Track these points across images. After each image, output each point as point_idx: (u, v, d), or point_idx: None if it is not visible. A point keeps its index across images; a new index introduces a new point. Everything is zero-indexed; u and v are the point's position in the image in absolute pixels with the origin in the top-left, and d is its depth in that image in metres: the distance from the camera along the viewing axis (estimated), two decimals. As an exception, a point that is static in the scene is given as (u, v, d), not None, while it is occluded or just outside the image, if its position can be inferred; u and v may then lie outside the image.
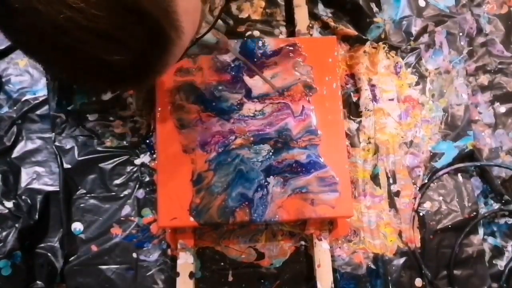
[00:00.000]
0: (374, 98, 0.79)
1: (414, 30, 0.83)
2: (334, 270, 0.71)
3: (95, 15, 0.31)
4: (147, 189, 0.74)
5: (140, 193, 0.74)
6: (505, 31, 0.85)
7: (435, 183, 0.77)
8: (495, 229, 0.77)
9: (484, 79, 0.83)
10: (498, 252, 0.76)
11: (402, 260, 0.73)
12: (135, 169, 0.74)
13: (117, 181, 0.74)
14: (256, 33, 0.82)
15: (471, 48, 0.84)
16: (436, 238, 0.75)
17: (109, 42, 0.33)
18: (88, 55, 0.33)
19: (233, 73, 0.72)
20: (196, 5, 0.41)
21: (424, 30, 0.83)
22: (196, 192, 0.67)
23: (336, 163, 0.69)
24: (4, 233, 0.70)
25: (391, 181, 0.76)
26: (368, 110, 0.78)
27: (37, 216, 0.71)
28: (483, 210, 0.77)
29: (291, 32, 0.82)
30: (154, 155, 0.74)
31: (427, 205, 0.76)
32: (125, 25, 0.33)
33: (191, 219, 0.66)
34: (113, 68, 0.35)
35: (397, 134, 0.78)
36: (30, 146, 0.75)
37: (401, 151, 0.78)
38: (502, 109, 0.82)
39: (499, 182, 0.78)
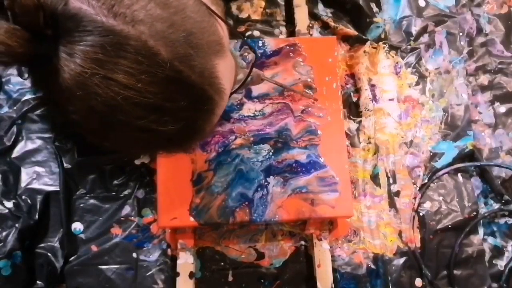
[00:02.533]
0: (374, 98, 0.79)
1: (414, 30, 0.83)
2: (334, 270, 0.71)
3: (149, 92, 0.33)
4: (147, 189, 0.74)
5: (140, 193, 0.74)
6: (505, 31, 0.85)
7: (435, 183, 0.77)
8: (495, 229, 0.77)
9: (484, 79, 0.83)
10: (498, 252, 0.76)
11: (402, 260, 0.73)
12: (135, 169, 0.74)
13: (117, 181, 0.74)
14: (256, 33, 0.82)
15: (471, 48, 0.84)
16: (436, 238, 0.75)
17: (162, 114, 0.35)
18: (143, 128, 0.35)
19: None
20: (232, 65, 0.44)
21: (424, 30, 0.83)
22: (196, 192, 0.67)
23: (336, 163, 0.69)
24: (4, 233, 0.70)
25: (391, 181, 0.76)
26: (368, 110, 0.78)
27: (37, 216, 0.71)
28: (483, 210, 0.77)
29: (291, 32, 0.82)
30: (154, 155, 0.74)
31: (427, 205, 0.76)
32: (175, 97, 0.35)
33: (191, 219, 0.66)
34: (165, 137, 0.37)
35: (397, 134, 0.78)
36: (30, 146, 0.75)
37: (401, 151, 0.78)
38: (502, 109, 0.82)
39: (499, 182, 0.78)
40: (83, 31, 0.32)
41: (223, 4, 0.47)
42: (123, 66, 0.32)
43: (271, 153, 0.69)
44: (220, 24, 0.41)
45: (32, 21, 0.31)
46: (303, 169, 0.68)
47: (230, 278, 0.72)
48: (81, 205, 0.73)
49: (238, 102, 0.70)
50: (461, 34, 0.84)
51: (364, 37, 0.82)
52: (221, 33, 0.40)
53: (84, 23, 0.32)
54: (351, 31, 0.82)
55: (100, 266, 0.70)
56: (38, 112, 0.76)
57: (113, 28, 0.32)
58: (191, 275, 0.68)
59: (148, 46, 0.33)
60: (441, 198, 0.76)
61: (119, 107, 0.33)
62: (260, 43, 0.73)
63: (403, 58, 0.82)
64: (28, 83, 0.77)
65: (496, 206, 0.78)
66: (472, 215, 0.76)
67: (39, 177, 0.73)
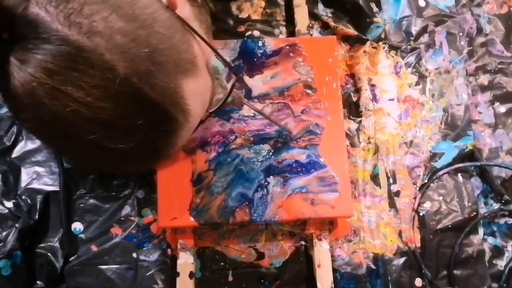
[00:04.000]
0: (374, 98, 0.79)
1: (414, 30, 0.83)
2: (334, 270, 0.71)
3: (100, 108, 0.32)
4: (147, 189, 0.74)
5: (140, 193, 0.74)
6: (505, 31, 0.85)
7: (435, 183, 0.77)
8: (495, 229, 0.77)
9: (484, 79, 0.83)
10: (498, 252, 0.76)
11: (402, 260, 0.73)
12: (135, 169, 0.74)
13: (117, 181, 0.74)
14: (256, 33, 0.82)
15: (471, 48, 0.84)
16: (436, 238, 0.75)
17: (114, 131, 0.33)
18: (94, 143, 0.33)
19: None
20: (205, 86, 0.41)
21: (424, 30, 0.83)
22: (196, 192, 0.67)
23: (336, 163, 0.69)
24: (4, 233, 0.70)
25: (391, 181, 0.76)
26: (368, 110, 0.78)
27: (37, 216, 0.71)
28: (483, 210, 0.77)
29: (291, 32, 0.82)
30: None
31: (427, 205, 0.76)
32: (130, 114, 0.33)
33: (191, 219, 0.66)
34: (119, 155, 0.35)
35: (397, 134, 0.78)
36: (30, 146, 0.74)
37: (401, 151, 0.78)
38: (502, 109, 0.82)
39: (499, 182, 0.78)
40: (38, 38, 0.30)
41: (209, 21, 0.44)
42: (74, 78, 0.31)
43: (271, 153, 0.69)
44: (198, 42, 0.39)
45: None
46: (303, 169, 0.68)
47: (230, 278, 0.72)
48: (81, 205, 0.73)
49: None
50: (461, 34, 0.84)
51: (364, 37, 0.82)
52: (196, 51, 0.38)
53: (40, 30, 0.30)
54: (351, 31, 0.82)
55: (100, 266, 0.70)
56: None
57: (67, 38, 0.30)
58: (191, 275, 0.68)
59: (103, 60, 0.31)
60: (441, 198, 0.76)
61: (66, 120, 0.32)
62: (260, 43, 0.73)
63: (403, 58, 0.82)
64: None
65: (496, 206, 0.78)
66: (472, 215, 0.76)
67: (39, 177, 0.73)
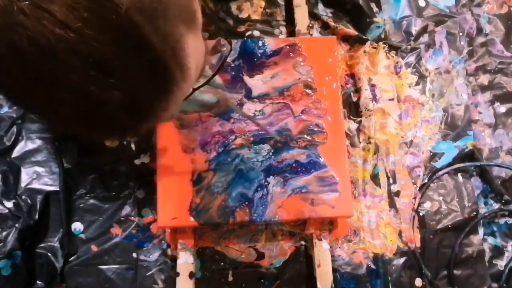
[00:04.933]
0: (374, 98, 0.79)
1: (414, 30, 0.83)
2: (334, 270, 0.71)
3: (92, 38, 0.26)
4: (147, 189, 0.74)
5: (140, 193, 0.74)
6: (505, 31, 0.85)
7: (435, 183, 0.77)
8: (495, 229, 0.77)
9: (484, 79, 0.83)
10: (498, 252, 0.76)
11: (402, 260, 0.73)
12: (135, 169, 0.74)
13: (117, 181, 0.74)
14: (256, 33, 0.82)
15: (471, 48, 0.84)
16: (436, 238, 0.75)
17: (105, 73, 0.28)
18: (76, 89, 0.28)
19: (233, 73, 0.72)
20: (202, 48, 0.36)
21: (424, 30, 0.83)
22: (196, 192, 0.66)
23: (336, 163, 0.69)
24: (4, 233, 0.70)
25: (391, 181, 0.76)
26: (368, 110, 0.78)
27: (37, 216, 0.71)
28: (483, 210, 0.77)
29: (291, 32, 0.82)
30: (154, 155, 0.74)
31: (427, 205, 0.76)
32: (125, 55, 0.28)
33: (191, 219, 0.66)
34: (105, 108, 0.29)
35: (397, 134, 0.78)
36: (30, 146, 0.75)
37: (401, 151, 0.78)
38: (502, 109, 0.82)
39: (499, 182, 0.78)
40: None
41: None
42: None
43: (271, 153, 0.69)
44: (196, 2, 0.35)
45: None
46: (303, 169, 0.68)
47: (230, 278, 0.72)
48: (81, 205, 0.73)
49: (238, 102, 0.70)
50: (461, 34, 0.84)
51: (364, 37, 0.82)
52: (195, 7, 0.34)
53: None
54: (351, 31, 0.82)
55: (100, 266, 0.70)
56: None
57: None
58: (191, 275, 0.68)
59: None
60: (441, 198, 0.76)
61: (50, 49, 0.26)
62: (260, 43, 0.73)
63: (403, 58, 0.82)
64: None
65: (496, 206, 0.78)
66: (472, 215, 0.76)
67: (39, 177, 0.73)
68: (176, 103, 0.35)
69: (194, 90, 0.42)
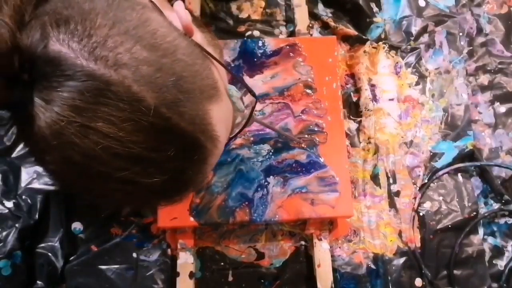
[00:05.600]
0: (374, 98, 0.79)
1: (414, 30, 0.83)
2: (334, 270, 0.71)
3: (132, 141, 0.31)
4: (147, 189, 0.74)
5: (140, 193, 0.74)
6: (505, 31, 0.85)
7: (435, 183, 0.77)
8: (495, 229, 0.77)
9: (484, 79, 0.83)
10: (498, 252, 0.76)
11: (402, 260, 0.73)
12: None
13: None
14: (256, 33, 0.82)
15: (471, 48, 0.84)
16: (436, 238, 0.75)
17: (147, 165, 0.32)
18: (125, 180, 0.32)
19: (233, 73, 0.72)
20: (229, 109, 0.40)
21: (424, 30, 0.83)
22: (196, 192, 0.66)
23: (336, 163, 0.69)
24: (4, 233, 0.70)
25: (391, 181, 0.76)
26: (368, 110, 0.78)
27: (37, 216, 0.71)
28: (483, 210, 0.77)
29: (291, 32, 0.82)
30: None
31: (427, 205, 0.76)
32: (161, 146, 0.32)
33: (191, 219, 0.66)
34: (150, 189, 0.34)
35: (397, 134, 0.78)
36: (30, 146, 0.74)
37: (401, 151, 0.78)
38: (502, 109, 0.82)
39: (499, 182, 0.78)
40: (62, 75, 0.29)
41: (221, 46, 0.44)
42: (103, 114, 0.30)
43: (271, 153, 0.69)
44: (216, 67, 0.39)
45: (5, 65, 0.29)
46: (303, 169, 0.68)
47: (230, 278, 0.72)
48: (81, 205, 0.73)
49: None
50: (461, 34, 0.84)
51: (364, 37, 0.82)
52: (216, 76, 0.38)
53: (63, 67, 0.29)
54: (351, 31, 0.82)
55: (100, 266, 0.70)
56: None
57: (94, 73, 0.29)
58: (191, 275, 0.68)
59: (131, 92, 0.30)
60: (441, 198, 0.76)
61: (98, 157, 0.31)
62: (260, 43, 0.73)
63: (403, 58, 0.82)
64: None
65: (496, 206, 0.78)
66: (472, 215, 0.76)
67: (39, 177, 0.73)
68: (211, 167, 0.39)
69: (231, 138, 0.46)
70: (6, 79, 0.29)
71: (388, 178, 0.76)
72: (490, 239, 0.76)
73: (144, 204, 0.42)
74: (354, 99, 0.80)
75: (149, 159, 0.32)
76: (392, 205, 0.76)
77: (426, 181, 0.77)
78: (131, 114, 0.30)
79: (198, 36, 0.39)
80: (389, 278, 0.72)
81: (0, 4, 0.29)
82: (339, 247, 0.74)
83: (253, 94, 0.48)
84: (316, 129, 0.70)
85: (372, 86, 0.80)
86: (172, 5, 0.38)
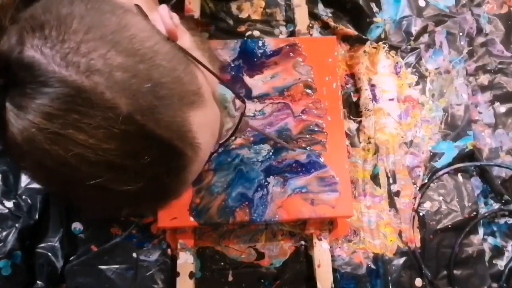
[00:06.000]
0: (374, 98, 0.79)
1: (414, 30, 0.83)
2: (334, 270, 0.71)
3: (104, 149, 0.30)
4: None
5: (140, 193, 0.74)
6: (505, 31, 0.85)
7: (435, 183, 0.77)
8: (495, 229, 0.77)
9: (484, 79, 0.83)
10: (498, 252, 0.76)
11: (402, 260, 0.73)
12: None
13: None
14: (256, 33, 0.82)
15: (471, 48, 0.84)
16: (436, 238, 0.75)
17: (121, 172, 0.32)
18: (100, 187, 0.32)
19: (233, 73, 0.72)
20: (213, 116, 0.39)
21: (424, 30, 0.83)
22: (196, 192, 0.67)
23: (336, 163, 0.69)
24: (4, 233, 0.70)
25: (391, 181, 0.76)
26: (368, 110, 0.78)
27: (37, 216, 0.71)
28: (483, 210, 0.77)
29: (291, 32, 0.82)
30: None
31: (427, 205, 0.76)
32: (136, 153, 0.31)
33: (191, 219, 0.66)
34: (127, 197, 0.33)
35: (397, 134, 0.78)
36: (30, 146, 0.74)
37: (401, 151, 0.78)
38: (502, 109, 0.82)
39: (499, 182, 0.78)
40: (35, 82, 0.29)
41: (212, 49, 0.43)
42: (74, 121, 0.29)
43: (271, 153, 0.69)
44: (202, 72, 0.37)
45: None
46: (303, 169, 0.68)
47: (230, 278, 0.72)
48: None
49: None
50: (461, 34, 0.84)
51: (364, 37, 0.82)
52: (201, 82, 0.37)
53: (36, 73, 0.29)
54: (351, 31, 0.82)
55: (100, 266, 0.70)
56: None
57: (65, 79, 0.29)
58: (191, 275, 0.68)
59: (104, 99, 0.29)
60: (441, 198, 0.76)
61: (69, 164, 0.30)
62: (260, 43, 0.73)
63: (403, 58, 0.82)
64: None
65: (496, 206, 0.78)
66: (472, 215, 0.75)
67: (39, 177, 0.73)
68: (193, 175, 0.38)
69: (222, 144, 0.46)
70: None
71: (388, 178, 0.76)
72: (490, 239, 0.76)
73: (125, 212, 0.41)
74: (354, 99, 0.80)
75: (122, 166, 0.31)
76: (392, 205, 0.76)
77: (426, 181, 0.77)
78: (102, 121, 0.30)
79: (186, 39, 0.38)
80: (389, 278, 0.72)
81: None
82: (339, 247, 0.74)
83: (242, 100, 0.47)
84: (316, 129, 0.70)
85: (372, 86, 0.80)
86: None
